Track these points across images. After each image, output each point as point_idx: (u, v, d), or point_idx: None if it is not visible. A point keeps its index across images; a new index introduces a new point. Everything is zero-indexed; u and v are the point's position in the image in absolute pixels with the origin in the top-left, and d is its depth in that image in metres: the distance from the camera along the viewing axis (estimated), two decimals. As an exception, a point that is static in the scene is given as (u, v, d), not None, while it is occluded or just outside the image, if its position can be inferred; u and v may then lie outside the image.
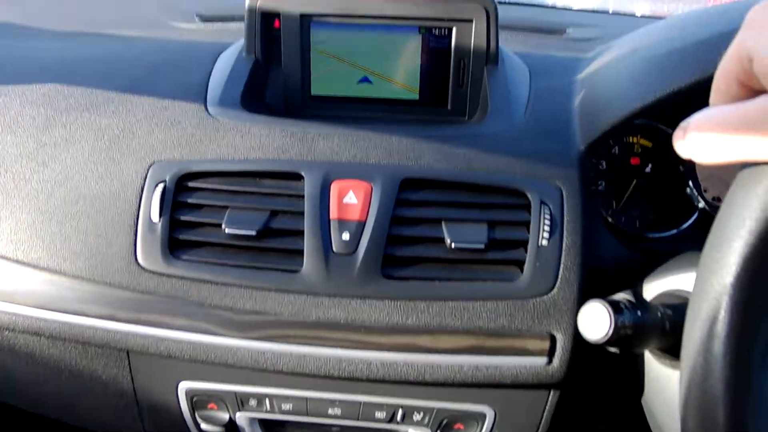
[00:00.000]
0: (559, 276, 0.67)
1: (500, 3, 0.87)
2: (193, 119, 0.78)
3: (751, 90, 0.36)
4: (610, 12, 1.33)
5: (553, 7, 1.36)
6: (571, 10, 1.33)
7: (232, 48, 0.93)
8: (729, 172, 0.78)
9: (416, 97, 0.89)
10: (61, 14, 1.22)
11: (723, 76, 0.37)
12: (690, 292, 0.57)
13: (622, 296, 0.64)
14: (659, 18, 1.22)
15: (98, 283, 0.70)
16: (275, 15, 0.87)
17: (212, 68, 0.89)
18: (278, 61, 0.89)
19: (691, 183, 0.78)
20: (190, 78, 0.86)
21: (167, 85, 0.85)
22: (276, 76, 0.90)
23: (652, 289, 0.64)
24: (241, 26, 0.89)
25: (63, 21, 1.17)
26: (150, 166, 0.73)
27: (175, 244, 0.70)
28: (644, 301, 0.63)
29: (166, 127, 0.77)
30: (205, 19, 1.19)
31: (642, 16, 1.34)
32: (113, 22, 1.16)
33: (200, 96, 0.82)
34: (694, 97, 0.77)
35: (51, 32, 1.11)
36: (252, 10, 0.87)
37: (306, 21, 0.86)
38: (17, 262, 0.73)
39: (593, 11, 1.34)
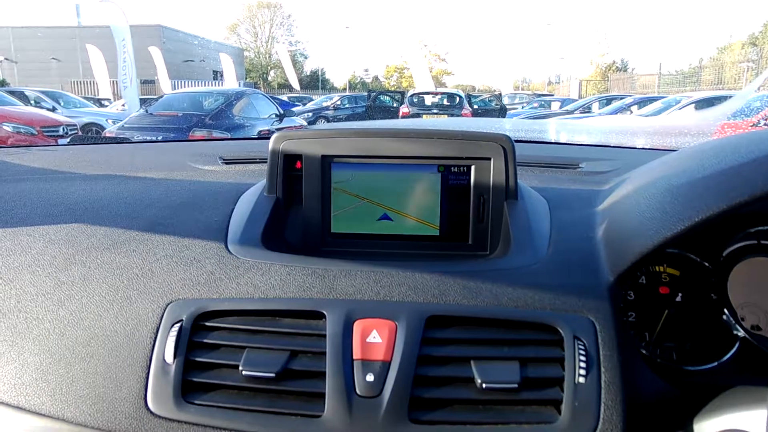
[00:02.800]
0: (601, 416, 0.62)
1: (516, 141, 0.89)
2: (213, 258, 0.77)
3: None
4: (627, 147, 1.37)
5: (566, 144, 1.42)
6: (582, 145, 1.37)
7: (253, 188, 0.96)
8: (765, 299, 0.74)
9: (437, 233, 0.89)
10: (91, 160, 1.28)
11: None
12: None
13: None
14: (666, 150, 1.26)
15: (103, 431, 0.66)
16: (297, 157, 0.90)
17: (233, 208, 0.90)
18: (299, 200, 0.91)
19: (726, 311, 0.74)
20: (212, 217, 0.88)
21: (189, 225, 0.86)
22: (296, 215, 0.92)
23: (706, 429, 0.59)
24: (261, 167, 0.92)
25: (94, 166, 1.22)
26: (167, 306, 0.72)
27: (188, 387, 0.66)
28: None
29: (186, 265, 0.76)
30: (227, 161, 1.24)
31: (648, 149, 1.37)
32: (141, 166, 1.21)
33: (221, 235, 0.83)
34: (717, 224, 0.76)
35: (80, 175, 1.15)
36: (275, 153, 0.90)
37: (327, 162, 0.89)
38: (18, 408, 0.69)
39: (604, 146, 1.39)
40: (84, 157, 1.31)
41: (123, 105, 16.62)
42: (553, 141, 1.45)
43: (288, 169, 0.91)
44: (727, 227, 0.77)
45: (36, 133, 7.86)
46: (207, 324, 0.70)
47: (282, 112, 8.67)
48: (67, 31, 35.63)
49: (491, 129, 0.91)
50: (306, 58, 59.50)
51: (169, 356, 0.67)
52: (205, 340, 0.69)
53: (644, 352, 0.75)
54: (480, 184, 0.88)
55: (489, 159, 0.87)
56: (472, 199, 0.88)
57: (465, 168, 0.88)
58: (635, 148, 1.37)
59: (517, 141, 0.90)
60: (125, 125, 7.72)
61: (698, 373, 0.74)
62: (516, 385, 0.63)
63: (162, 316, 0.71)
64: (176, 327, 0.69)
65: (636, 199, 0.79)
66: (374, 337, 0.66)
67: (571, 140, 1.42)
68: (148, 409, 0.65)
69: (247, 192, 0.95)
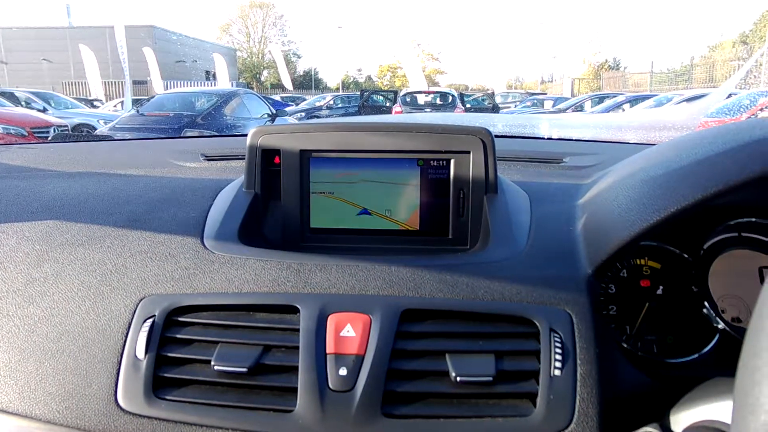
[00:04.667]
0: (576, 409, 0.62)
1: (498, 137, 0.89)
2: (188, 253, 0.77)
3: None
4: (611, 141, 1.37)
5: (550, 139, 1.41)
6: (566, 140, 1.37)
7: (232, 184, 0.95)
8: (745, 291, 0.74)
9: (417, 227, 0.88)
10: (72, 158, 1.26)
11: None
12: (725, 423, 0.51)
13: (647, 430, 0.58)
14: (650, 144, 1.26)
15: (72, 428, 0.65)
16: (275, 152, 0.89)
17: (212, 203, 0.89)
18: (277, 195, 0.90)
19: (707, 304, 0.74)
20: (189, 213, 0.87)
21: (165, 220, 0.85)
22: (275, 210, 0.91)
23: (682, 420, 0.58)
24: (242, 164, 0.91)
25: (74, 164, 1.21)
26: (140, 301, 0.71)
27: (159, 383, 0.65)
28: None
29: (160, 261, 0.76)
30: (209, 158, 1.23)
31: (635, 143, 1.37)
32: (122, 164, 1.19)
33: (198, 230, 0.82)
34: (697, 217, 0.75)
35: (59, 173, 1.14)
36: (253, 148, 0.89)
37: (306, 156, 0.88)
38: None
39: (588, 140, 1.38)
40: (65, 155, 1.30)
41: (115, 106, 16.57)
42: (537, 136, 1.44)
43: (266, 164, 0.90)
44: (708, 219, 0.76)
45: (27, 134, 7.79)
46: (180, 319, 0.69)
47: (274, 111, 8.64)
48: (58, 32, 35.35)
49: (474, 124, 0.90)
50: (299, 58, 59.47)
51: (141, 352, 0.66)
52: (178, 336, 0.68)
53: (625, 345, 0.75)
54: (459, 178, 0.87)
55: (468, 152, 0.86)
56: (452, 194, 0.87)
57: (444, 162, 0.87)
58: (619, 142, 1.36)
59: (501, 136, 0.90)
60: (116, 126, 7.68)
61: (678, 366, 0.74)
62: (491, 378, 0.62)
63: (134, 311, 0.70)
64: (148, 322, 0.68)
65: (615, 191, 0.78)
66: (348, 331, 0.65)
67: (556, 135, 1.42)
68: (118, 405, 0.64)
69: (226, 188, 0.95)
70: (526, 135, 1.42)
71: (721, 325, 0.73)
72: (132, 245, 0.79)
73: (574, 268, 0.72)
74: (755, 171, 0.58)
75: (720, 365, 0.73)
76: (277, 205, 0.90)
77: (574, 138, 1.36)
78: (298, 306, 0.68)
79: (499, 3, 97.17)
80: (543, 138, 1.42)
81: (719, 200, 0.61)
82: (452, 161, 0.87)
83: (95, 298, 0.72)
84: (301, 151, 0.88)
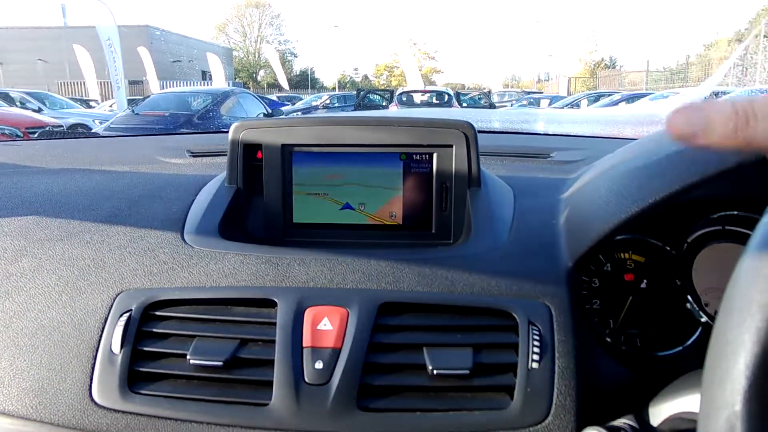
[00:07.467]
0: (554, 402, 0.61)
1: (485, 132, 0.88)
2: (167, 248, 0.76)
3: None
4: (599, 136, 1.36)
5: (537, 134, 1.41)
6: (554, 135, 1.37)
7: (215, 179, 0.94)
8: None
9: (400, 222, 0.88)
10: (57, 155, 1.26)
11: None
12: None
13: (623, 422, 0.57)
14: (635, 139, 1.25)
15: (46, 423, 0.64)
16: (257, 146, 0.89)
17: (194, 198, 0.89)
18: (260, 190, 0.89)
19: (690, 297, 0.74)
20: (171, 208, 0.86)
21: (147, 215, 0.84)
22: (258, 205, 0.90)
23: (659, 413, 0.58)
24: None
25: (59, 160, 1.20)
26: (117, 296, 0.70)
27: (135, 377, 0.65)
28: (651, 427, 0.57)
29: (139, 255, 0.75)
30: (195, 154, 1.23)
31: (620, 138, 1.37)
32: (107, 160, 1.19)
33: (178, 225, 0.81)
34: (681, 210, 0.75)
35: (43, 169, 1.13)
36: (235, 142, 0.89)
37: (287, 151, 0.88)
38: None
39: (576, 135, 1.38)
40: (50, 152, 1.29)
41: (111, 106, 16.51)
42: (525, 131, 1.44)
43: (248, 159, 0.90)
44: (691, 213, 0.76)
45: (21, 134, 7.76)
46: (157, 313, 0.69)
47: (270, 111, 8.65)
48: (54, 32, 35.17)
49: (464, 119, 0.89)
50: (295, 57, 59.40)
51: (116, 346, 0.65)
52: (155, 330, 0.67)
53: (608, 339, 0.75)
54: (442, 171, 0.87)
55: (451, 146, 0.86)
56: (435, 188, 0.87)
57: (427, 156, 0.87)
58: (607, 137, 1.36)
59: (489, 131, 0.89)
60: (111, 125, 7.67)
61: (661, 359, 0.73)
62: (468, 372, 0.62)
63: (111, 306, 0.69)
64: (125, 317, 0.67)
65: (596, 184, 0.78)
66: (325, 325, 0.65)
67: (546, 131, 1.42)
68: (92, 399, 0.64)
69: (209, 183, 0.94)
70: (514, 130, 1.41)
71: (704, 319, 0.73)
72: (111, 240, 0.79)
73: (555, 261, 0.72)
74: (731, 162, 0.58)
75: (703, 358, 0.72)
76: (259, 200, 0.90)
77: (562, 133, 1.36)
78: (275, 299, 0.68)
79: (495, 2, 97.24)
80: (530, 133, 1.42)
81: (698, 192, 0.61)
82: (435, 155, 0.87)
83: (72, 293, 0.72)
84: (283, 145, 0.88)
